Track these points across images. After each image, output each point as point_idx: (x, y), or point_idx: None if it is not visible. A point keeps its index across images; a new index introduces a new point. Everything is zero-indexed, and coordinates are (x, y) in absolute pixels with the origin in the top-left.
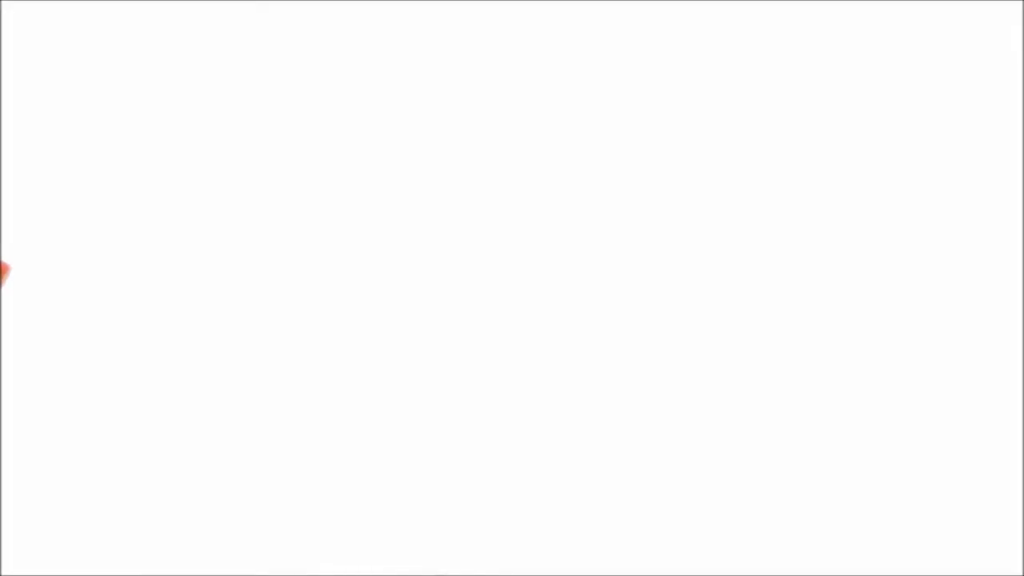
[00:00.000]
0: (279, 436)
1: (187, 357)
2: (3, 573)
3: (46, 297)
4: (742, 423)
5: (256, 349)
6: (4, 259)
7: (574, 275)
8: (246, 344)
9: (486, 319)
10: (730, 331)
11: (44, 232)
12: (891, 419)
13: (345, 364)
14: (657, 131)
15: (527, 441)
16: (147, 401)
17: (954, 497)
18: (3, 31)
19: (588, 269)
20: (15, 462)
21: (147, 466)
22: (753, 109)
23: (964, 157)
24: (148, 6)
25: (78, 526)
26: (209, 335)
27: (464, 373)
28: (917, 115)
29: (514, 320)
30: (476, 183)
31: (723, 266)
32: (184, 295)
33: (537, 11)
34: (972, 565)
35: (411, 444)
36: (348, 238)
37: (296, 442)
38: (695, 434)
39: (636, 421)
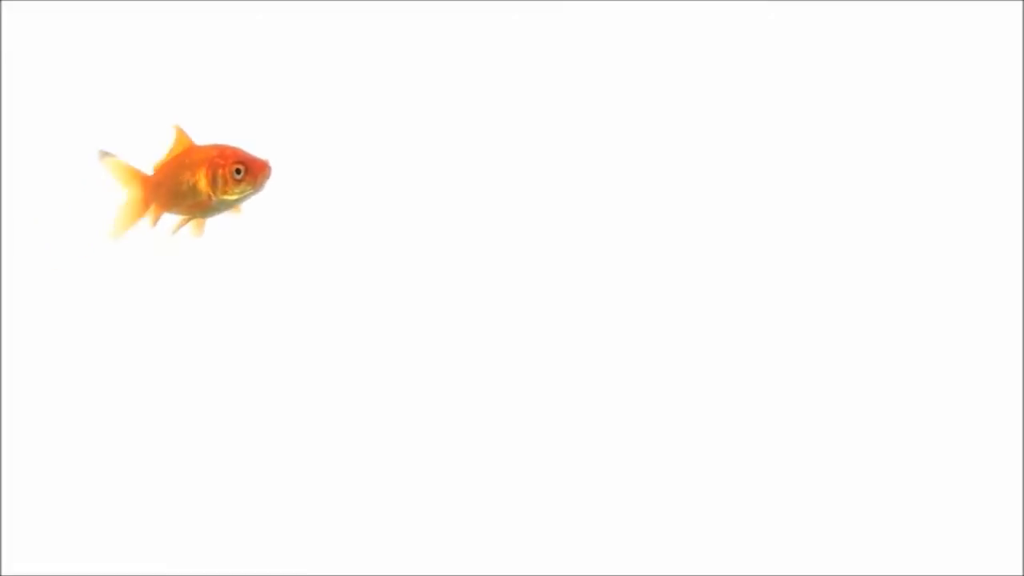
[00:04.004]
0: (279, 437)
1: (185, 357)
2: (3, 573)
3: (46, 296)
4: (742, 423)
5: (254, 349)
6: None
7: (573, 276)
8: (244, 344)
9: (484, 320)
10: (730, 332)
11: (44, 231)
12: (891, 419)
13: (344, 365)
14: (656, 132)
15: (527, 442)
16: (147, 401)
17: (954, 497)
18: (3, 31)
19: (587, 270)
20: (15, 462)
21: (147, 466)
22: (752, 109)
23: (964, 157)
24: (148, 6)
25: (78, 526)
26: (207, 335)
27: (463, 374)
28: (917, 115)
29: (512, 321)
30: (475, 184)
31: (723, 267)
32: (181, 295)
33: (536, 11)
34: (972, 565)
35: (411, 444)
36: (346, 239)
37: (296, 442)
38: (695, 434)
39: (636, 421)
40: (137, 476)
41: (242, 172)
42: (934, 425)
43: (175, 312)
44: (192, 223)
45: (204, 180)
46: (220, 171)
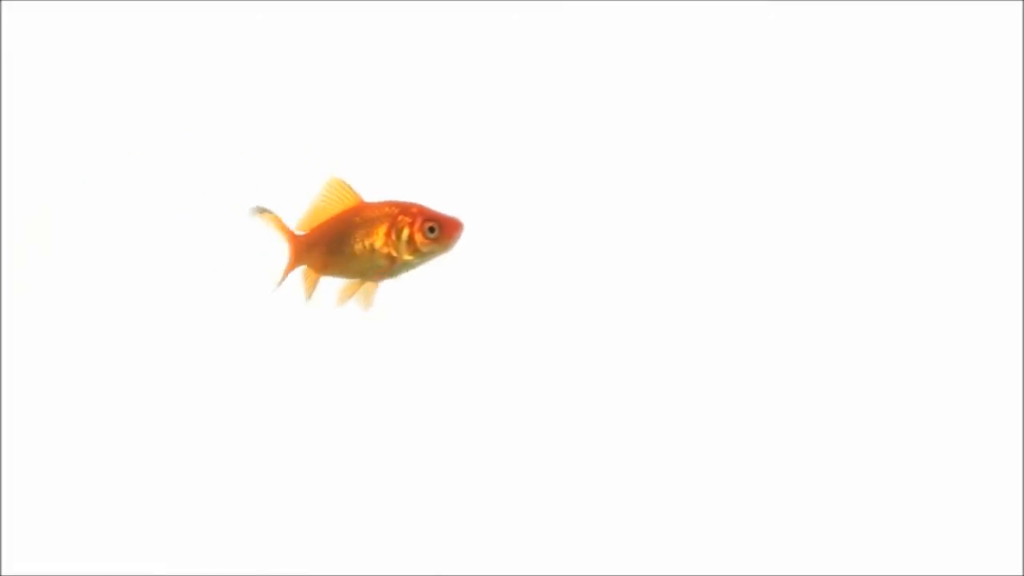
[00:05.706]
0: (279, 437)
1: (183, 357)
2: (3, 573)
3: (46, 294)
4: (743, 423)
5: (253, 349)
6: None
7: (575, 276)
8: (243, 344)
9: (484, 321)
10: (730, 332)
11: (43, 231)
12: (891, 419)
13: (342, 364)
14: (656, 132)
15: (527, 442)
16: (148, 402)
17: (954, 497)
18: (3, 31)
19: (589, 271)
20: (15, 462)
21: (147, 466)
22: (752, 109)
23: (964, 157)
24: (148, 6)
25: (78, 526)
26: (206, 336)
27: (463, 374)
28: (917, 115)
29: (512, 322)
30: (474, 185)
31: (725, 267)
32: (179, 295)
33: (536, 12)
34: (972, 565)
35: (411, 445)
36: None
37: (296, 443)
38: (695, 434)
39: (636, 422)
40: (137, 477)
41: (436, 231)
42: (934, 425)
43: (175, 308)
44: (361, 292)
45: (383, 240)
46: (409, 230)
